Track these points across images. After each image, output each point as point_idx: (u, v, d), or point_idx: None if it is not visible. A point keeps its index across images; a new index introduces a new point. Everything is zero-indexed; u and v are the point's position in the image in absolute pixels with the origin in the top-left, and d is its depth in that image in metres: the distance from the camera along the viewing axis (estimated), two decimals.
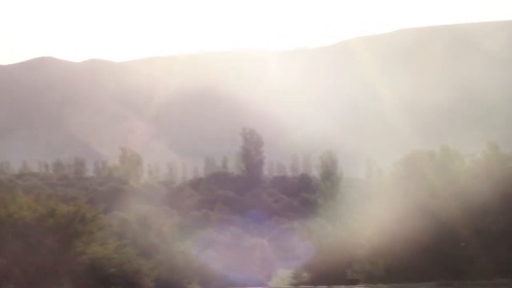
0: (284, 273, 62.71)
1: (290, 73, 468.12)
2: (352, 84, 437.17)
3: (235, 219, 79.93)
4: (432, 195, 39.02)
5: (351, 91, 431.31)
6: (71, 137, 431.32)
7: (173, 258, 39.83)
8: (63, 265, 32.67)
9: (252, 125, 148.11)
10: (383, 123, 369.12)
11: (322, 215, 61.70)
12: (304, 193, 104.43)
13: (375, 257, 41.03)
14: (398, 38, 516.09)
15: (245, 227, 70.55)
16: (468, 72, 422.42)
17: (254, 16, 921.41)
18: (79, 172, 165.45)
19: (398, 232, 39.17)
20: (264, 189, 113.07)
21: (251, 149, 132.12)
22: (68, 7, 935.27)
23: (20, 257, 32.37)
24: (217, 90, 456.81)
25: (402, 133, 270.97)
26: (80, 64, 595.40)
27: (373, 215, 42.52)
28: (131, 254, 36.85)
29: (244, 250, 55.84)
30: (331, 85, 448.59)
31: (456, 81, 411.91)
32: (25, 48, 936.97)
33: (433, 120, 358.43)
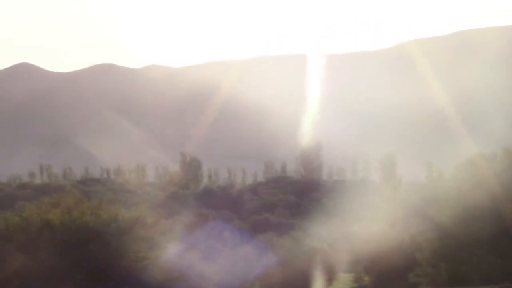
0: (344, 277, 62.59)
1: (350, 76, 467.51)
2: (408, 87, 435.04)
3: (295, 223, 79.94)
4: (494, 198, 38.55)
5: (408, 95, 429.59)
6: (131, 142, 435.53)
7: (234, 262, 40.07)
8: (125, 270, 33.07)
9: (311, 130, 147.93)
10: (437, 125, 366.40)
11: (381, 218, 61.44)
12: (363, 196, 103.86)
13: (437, 260, 40.67)
14: (455, 40, 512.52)
15: (305, 231, 70.46)
16: None
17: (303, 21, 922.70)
18: (140, 178, 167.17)
19: (460, 235, 38.82)
20: (323, 193, 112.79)
21: (311, 154, 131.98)
22: (127, 14, 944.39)
23: (82, 262, 32.87)
24: (275, 94, 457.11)
25: (461, 136, 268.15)
26: (139, 70, 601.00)
27: (434, 218, 42.17)
28: (193, 258, 37.13)
29: (304, 254, 55.84)
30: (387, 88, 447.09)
31: None
32: (87, 55, 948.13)
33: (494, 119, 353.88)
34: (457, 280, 39.12)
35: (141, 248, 33.67)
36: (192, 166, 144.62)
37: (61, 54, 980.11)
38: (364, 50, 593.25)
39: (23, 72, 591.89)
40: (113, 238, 33.11)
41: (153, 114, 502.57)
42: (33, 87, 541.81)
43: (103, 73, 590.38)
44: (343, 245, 64.93)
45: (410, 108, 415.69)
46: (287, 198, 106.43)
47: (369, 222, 62.61)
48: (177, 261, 35.08)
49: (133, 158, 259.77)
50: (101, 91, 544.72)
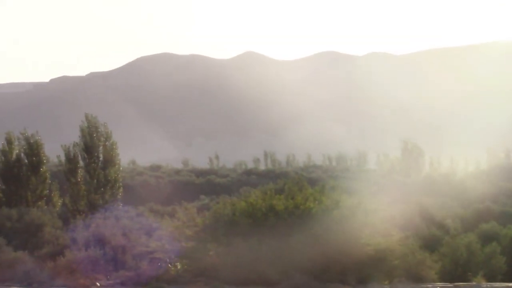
0: None
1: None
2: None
3: None
4: None
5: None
6: (352, 129, 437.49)
7: (456, 251, 39.33)
8: (347, 256, 33.44)
9: None
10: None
11: None
12: None
13: None
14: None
15: None
16: None
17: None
18: (361, 165, 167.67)
19: None
20: None
21: None
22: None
23: (305, 247, 33.56)
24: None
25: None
26: (361, 58, 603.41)
27: None
28: (414, 246, 36.89)
29: None
30: None
31: None
32: (310, 44, 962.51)
33: None
34: None
35: (363, 234, 33.93)
36: (413, 154, 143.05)
37: (285, 42, 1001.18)
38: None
39: (249, 60, 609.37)
40: (335, 224, 33.61)
41: (379, 105, 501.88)
42: (259, 75, 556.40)
43: (326, 61, 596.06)
44: None
45: None
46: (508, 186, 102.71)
47: None
48: (399, 248, 35.02)
49: (353, 145, 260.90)
50: (325, 79, 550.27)
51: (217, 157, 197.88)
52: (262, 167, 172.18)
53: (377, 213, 35.36)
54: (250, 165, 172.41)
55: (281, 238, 33.57)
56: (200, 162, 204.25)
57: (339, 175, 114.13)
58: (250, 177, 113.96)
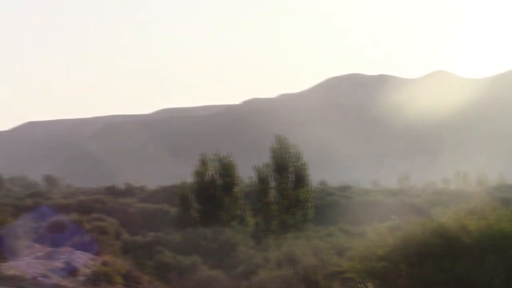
0: None
1: None
2: None
3: None
4: None
5: None
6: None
7: None
8: None
9: None
10: None
11: None
12: None
13: None
14: None
15: None
16: None
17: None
18: None
19: None
20: None
21: None
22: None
23: (499, 270, 32.68)
24: None
25: None
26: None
27: None
28: None
29: None
30: None
31: None
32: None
33: None
34: None
35: None
36: None
37: (475, 60, 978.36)
38: None
39: (439, 79, 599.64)
40: None
41: None
42: (448, 94, 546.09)
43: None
44: None
45: None
46: None
47: None
48: None
49: None
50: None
51: (407, 177, 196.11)
52: (452, 187, 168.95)
53: None
54: (440, 185, 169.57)
55: (474, 260, 32.90)
56: (390, 182, 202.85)
57: None
58: (441, 197, 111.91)
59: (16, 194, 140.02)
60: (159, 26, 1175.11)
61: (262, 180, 60.88)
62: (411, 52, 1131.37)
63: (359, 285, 35.24)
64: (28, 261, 29.29)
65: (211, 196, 60.64)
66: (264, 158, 63.64)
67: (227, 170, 61.48)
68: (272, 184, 60.86)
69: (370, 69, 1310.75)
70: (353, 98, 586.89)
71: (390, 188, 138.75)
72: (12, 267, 26.92)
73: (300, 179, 60.70)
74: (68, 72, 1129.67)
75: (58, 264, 29.97)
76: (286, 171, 60.61)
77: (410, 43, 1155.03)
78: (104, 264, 32.38)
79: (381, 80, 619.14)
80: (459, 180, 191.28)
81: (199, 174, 61.71)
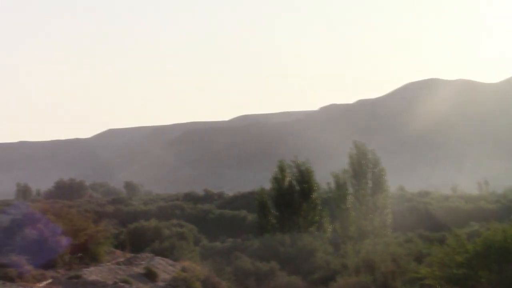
0: None
1: None
2: None
3: None
4: None
5: None
6: None
7: None
8: None
9: None
10: None
11: None
12: None
13: None
14: None
15: None
16: None
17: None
18: None
19: None
20: None
21: None
22: None
23: None
24: None
25: None
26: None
27: None
28: None
29: None
30: None
31: None
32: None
33: None
34: None
35: None
36: None
37: None
38: None
39: None
40: None
41: None
42: None
43: None
44: None
45: None
46: None
47: None
48: None
49: None
50: None
51: (486, 183, 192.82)
52: None
53: None
54: None
55: None
56: (470, 188, 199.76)
57: None
58: None
59: (98, 200, 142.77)
60: (242, 33, 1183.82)
61: (340, 186, 60.72)
62: (492, 58, 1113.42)
63: None
64: (109, 267, 29.85)
65: (289, 202, 60.68)
66: (342, 164, 63.48)
67: (304, 177, 61.46)
68: (350, 190, 60.66)
69: (450, 74, 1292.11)
70: (429, 105, 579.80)
71: (469, 194, 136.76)
72: (93, 273, 27.48)
73: (378, 185, 60.36)
74: (146, 80, 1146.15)
75: (138, 270, 30.48)
76: (364, 177, 60.34)
77: (490, 48, 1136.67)
78: (184, 269, 32.76)
79: (459, 85, 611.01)
80: None
81: (277, 180, 61.82)
